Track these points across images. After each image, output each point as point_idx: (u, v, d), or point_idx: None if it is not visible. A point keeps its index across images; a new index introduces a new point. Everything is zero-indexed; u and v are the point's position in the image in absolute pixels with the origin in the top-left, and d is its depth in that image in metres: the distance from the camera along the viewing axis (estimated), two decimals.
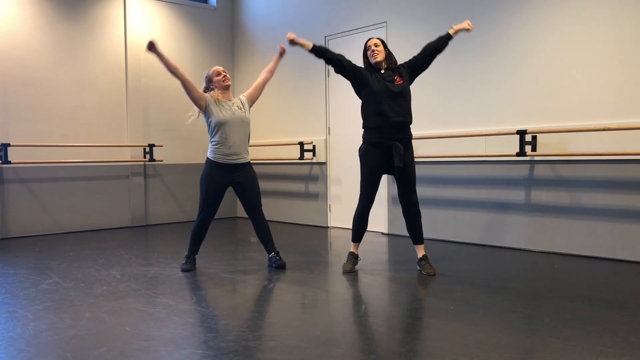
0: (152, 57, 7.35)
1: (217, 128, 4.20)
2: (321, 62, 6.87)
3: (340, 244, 5.66)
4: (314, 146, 6.92)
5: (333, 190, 6.85)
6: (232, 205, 8.23)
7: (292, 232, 6.54)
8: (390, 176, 6.10)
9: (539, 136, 4.86)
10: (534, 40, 4.93)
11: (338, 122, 6.74)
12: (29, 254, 5.18)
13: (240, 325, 2.90)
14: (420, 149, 5.80)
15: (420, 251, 4.16)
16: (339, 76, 6.63)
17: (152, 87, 7.39)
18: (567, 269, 4.20)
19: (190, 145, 7.78)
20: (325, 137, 6.84)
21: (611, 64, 4.49)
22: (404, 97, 4.03)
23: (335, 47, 6.72)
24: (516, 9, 5.04)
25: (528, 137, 4.89)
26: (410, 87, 4.15)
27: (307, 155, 6.95)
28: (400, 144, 3.97)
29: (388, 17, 6.09)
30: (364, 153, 4.08)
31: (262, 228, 4.35)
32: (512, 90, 5.09)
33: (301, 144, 6.91)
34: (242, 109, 4.28)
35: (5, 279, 4.06)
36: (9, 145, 6.13)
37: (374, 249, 5.29)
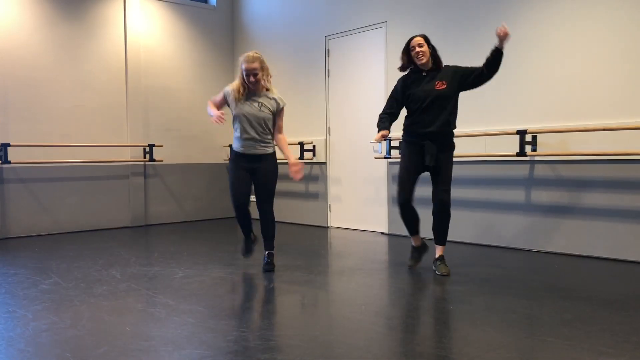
0: (151, 57, 7.40)
1: (234, 120, 4.19)
2: (321, 62, 6.91)
3: (340, 244, 5.66)
4: (314, 146, 6.92)
5: (333, 190, 6.85)
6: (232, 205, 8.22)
7: (292, 232, 6.53)
8: (386, 177, 6.10)
9: (539, 136, 4.86)
10: (535, 39, 4.93)
11: (338, 122, 6.74)
12: (29, 254, 5.18)
13: (240, 325, 2.90)
14: None
15: (438, 251, 4.16)
16: (339, 76, 6.67)
17: (152, 87, 7.39)
18: (567, 269, 4.20)
19: (190, 145, 7.78)
20: (325, 137, 6.84)
21: (611, 64, 4.49)
22: (441, 104, 3.97)
23: (336, 47, 6.74)
24: (516, 8, 5.04)
25: (528, 137, 4.89)
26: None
27: (307, 155, 6.95)
28: (433, 143, 3.97)
29: (388, 17, 6.09)
30: (402, 151, 4.16)
31: (263, 223, 4.28)
32: (512, 90, 5.09)
33: (301, 144, 6.91)
34: (261, 108, 4.12)
35: (5, 279, 4.06)
36: (9, 145, 6.13)
37: (374, 249, 5.29)
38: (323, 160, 6.86)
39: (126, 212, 7.18)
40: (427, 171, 4.11)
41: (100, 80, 6.99)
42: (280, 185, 7.53)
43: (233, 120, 4.20)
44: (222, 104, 4.24)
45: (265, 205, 4.23)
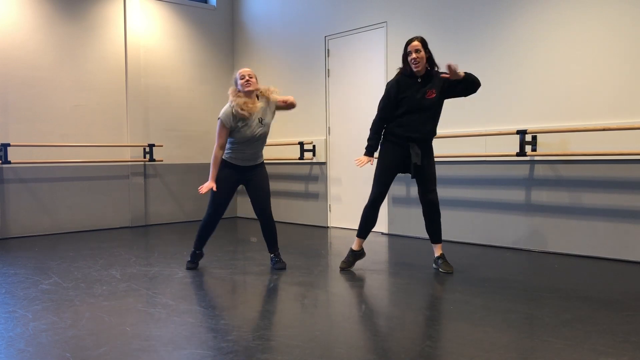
0: (152, 57, 7.40)
1: (236, 141, 4.13)
2: (321, 62, 6.92)
3: (341, 243, 5.66)
4: (314, 146, 6.92)
5: (333, 190, 6.85)
6: (232, 205, 8.23)
7: (292, 232, 6.53)
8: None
9: (539, 136, 4.86)
10: (534, 40, 4.93)
11: (338, 122, 6.74)
12: (29, 254, 5.18)
13: (240, 325, 2.90)
14: None
15: (437, 250, 4.20)
16: (339, 76, 6.67)
17: (152, 87, 7.39)
18: (567, 269, 4.20)
19: (190, 145, 7.78)
20: (325, 137, 6.84)
21: (611, 64, 4.49)
22: (432, 114, 4.02)
23: (336, 47, 6.74)
24: (516, 8, 5.04)
25: (528, 137, 4.89)
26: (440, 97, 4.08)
27: (307, 155, 6.95)
28: (418, 146, 4.02)
29: (388, 17, 6.09)
30: (384, 150, 4.15)
31: (266, 229, 4.35)
32: (512, 90, 5.09)
33: (301, 144, 6.91)
34: (262, 124, 4.12)
35: (5, 279, 4.06)
36: (9, 145, 6.13)
37: (374, 249, 5.28)
38: (323, 160, 6.86)
39: (126, 212, 7.18)
40: (405, 173, 4.16)
41: (100, 80, 6.99)
42: (280, 185, 7.57)
43: (231, 137, 4.14)
44: (227, 136, 4.12)
45: (269, 210, 4.30)
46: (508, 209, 5.14)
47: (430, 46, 5.71)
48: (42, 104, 6.55)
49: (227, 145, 4.17)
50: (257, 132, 4.11)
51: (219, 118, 4.07)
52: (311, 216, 7.09)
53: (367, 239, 4.39)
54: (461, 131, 5.42)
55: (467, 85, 3.97)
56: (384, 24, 6.14)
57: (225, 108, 4.08)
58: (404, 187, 5.99)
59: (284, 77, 7.43)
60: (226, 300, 3.48)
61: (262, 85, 4.23)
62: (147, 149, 7.25)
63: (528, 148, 4.88)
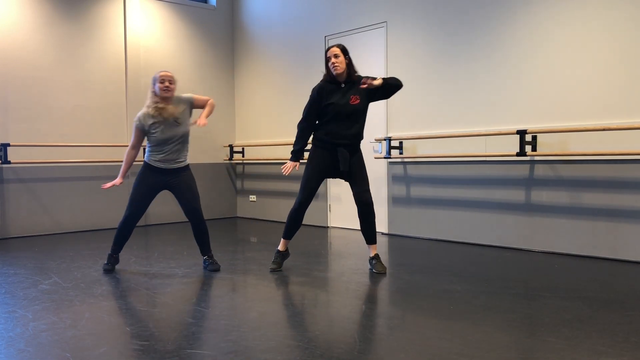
0: (151, 57, 7.39)
1: (154, 143, 4.23)
2: (321, 62, 6.89)
3: (341, 243, 5.66)
4: None
5: (333, 190, 6.85)
6: (232, 205, 8.23)
7: None
8: (386, 177, 6.11)
9: (539, 136, 4.86)
10: (534, 40, 4.93)
11: None
12: (29, 254, 5.18)
13: (240, 325, 2.90)
14: (421, 149, 5.80)
15: (372, 251, 4.23)
16: None
17: None
18: (567, 269, 4.20)
19: (190, 145, 7.76)
20: None
21: (611, 64, 4.49)
22: (356, 119, 4.07)
23: None
24: (516, 9, 5.04)
25: (528, 137, 4.89)
26: (380, 98, 4.18)
27: (308, 155, 6.94)
28: (346, 150, 4.07)
29: (388, 17, 6.09)
30: (312, 155, 4.22)
31: (197, 231, 4.32)
32: (512, 90, 5.09)
33: None
34: (178, 122, 4.18)
35: (5, 279, 4.06)
36: (8, 145, 6.13)
37: None
38: None
39: None
40: (334, 177, 4.22)
41: (100, 80, 6.99)
42: (280, 185, 7.57)
43: (149, 140, 4.25)
44: (142, 138, 4.29)
45: (199, 212, 4.28)
46: (508, 209, 5.14)
47: (430, 46, 5.76)
48: (42, 104, 6.55)
49: (148, 148, 4.29)
50: (173, 133, 4.16)
51: (134, 121, 4.21)
52: (311, 216, 7.09)
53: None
54: (461, 131, 5.42)
55: (386, 89, 4.05)
56: (384, 24, 6.14)
57: (141, 111, 4.19)
58: (403, 187, 5.99)
59: (284, 77, 7.43)
60: (226, 300, 3.48)
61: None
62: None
63: (528, 148, 4.88)
